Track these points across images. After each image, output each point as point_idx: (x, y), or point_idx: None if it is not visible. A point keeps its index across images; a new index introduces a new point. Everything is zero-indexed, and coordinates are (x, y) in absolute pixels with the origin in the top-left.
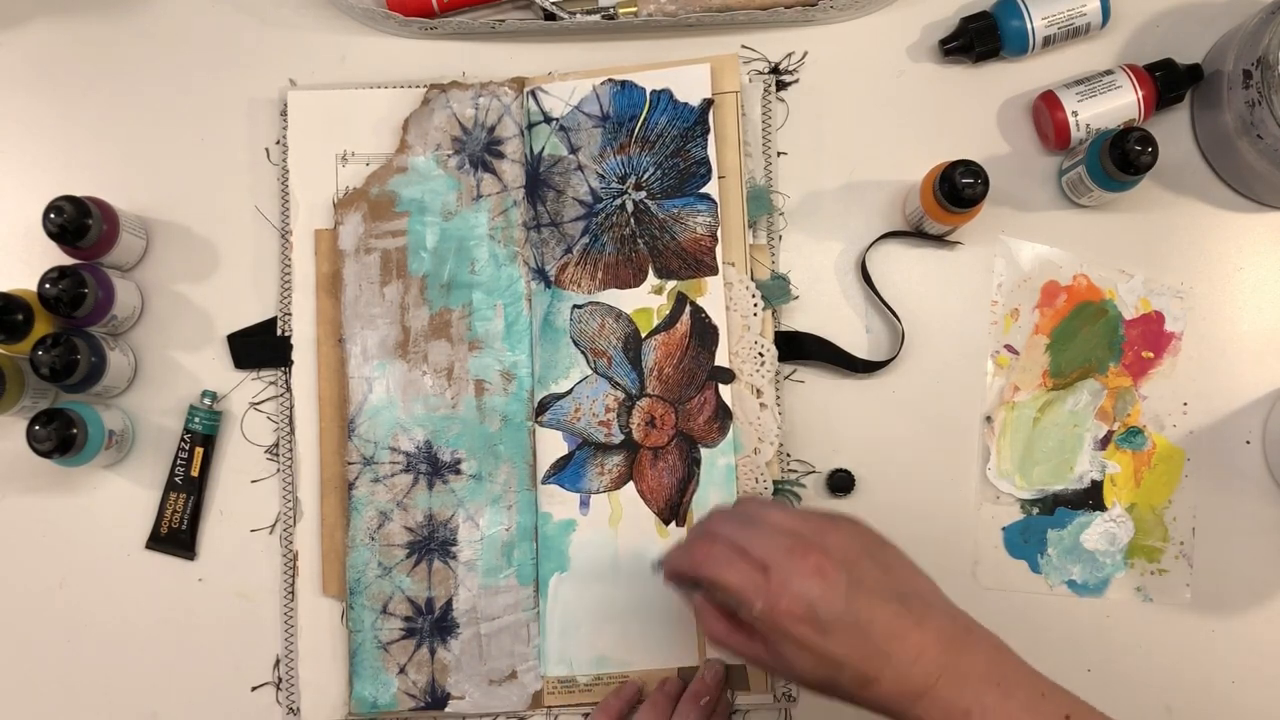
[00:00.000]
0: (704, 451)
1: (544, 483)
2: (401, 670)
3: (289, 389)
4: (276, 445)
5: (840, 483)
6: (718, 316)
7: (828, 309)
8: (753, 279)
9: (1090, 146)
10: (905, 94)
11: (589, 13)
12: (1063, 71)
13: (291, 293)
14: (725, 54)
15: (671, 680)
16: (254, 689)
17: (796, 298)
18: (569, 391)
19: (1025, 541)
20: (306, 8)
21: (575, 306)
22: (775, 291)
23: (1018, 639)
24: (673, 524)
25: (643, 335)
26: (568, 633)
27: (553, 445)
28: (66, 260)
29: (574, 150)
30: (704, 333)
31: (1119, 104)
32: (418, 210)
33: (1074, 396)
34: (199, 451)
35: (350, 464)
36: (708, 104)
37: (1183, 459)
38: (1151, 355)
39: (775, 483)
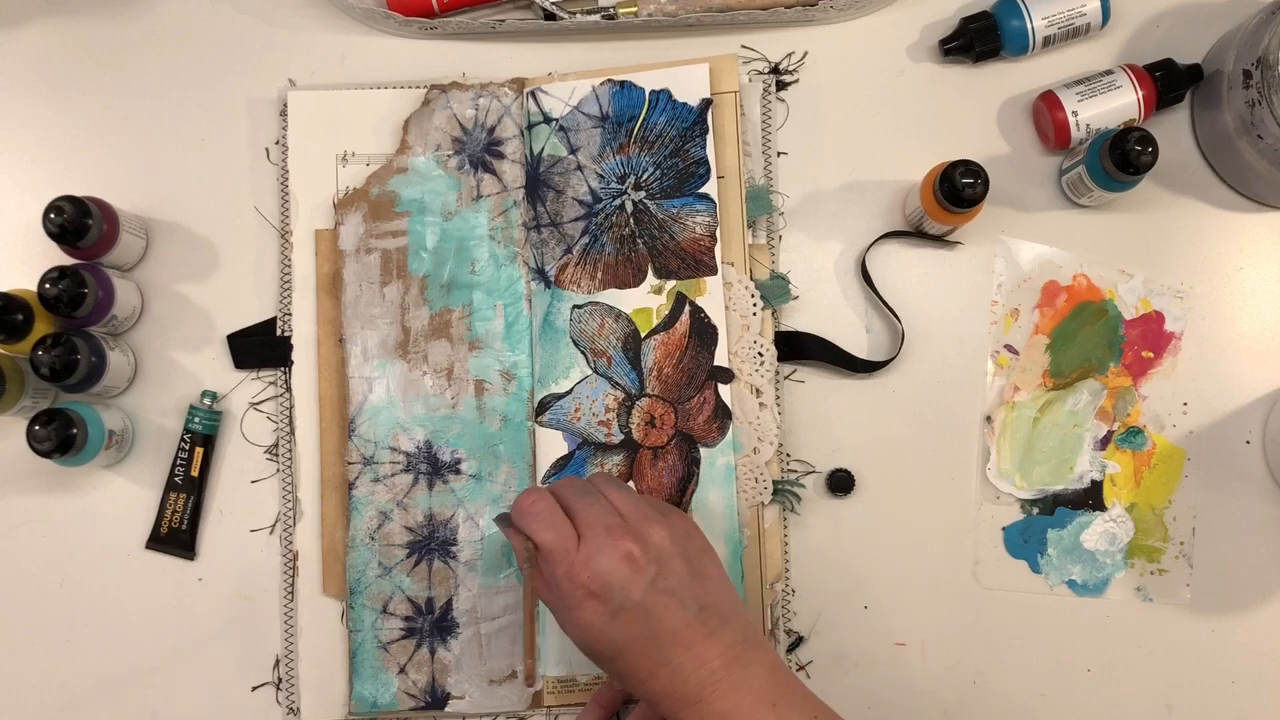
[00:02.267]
0: (703, 451)
1: (544, 482)
2: (401, 670)
3: (289, 389)
4: (276, 445)
5: (840, 483)
6: (717, 316)
7: (828, 309)
8: (752, 279)
9: (1090, 146)
10: (905, 94)
11: (589, 13)
12: (1063, 71)
13: (291, 293)
14: (724, 54)
15: None
16: (254, 689)
17: (796, 298)
18: (569, 391)
19: (1025, 541)
20: (306, 8)
21: (575, 306)
22: (775, 291)
23: (1018, 639)
24: None
25: (642, 335)
26: None
27: (553, 445)
28: (66, 260)
29: (574, 150)
30: (703, 332)
31: (1119, 104)
32: (418, 210)
33: (1074, 396)
34: (199, 451)
35: (350, 464)
36: (706, 104)
37: (1183, 459)
38: (1151, 355)
39: (775, 482)
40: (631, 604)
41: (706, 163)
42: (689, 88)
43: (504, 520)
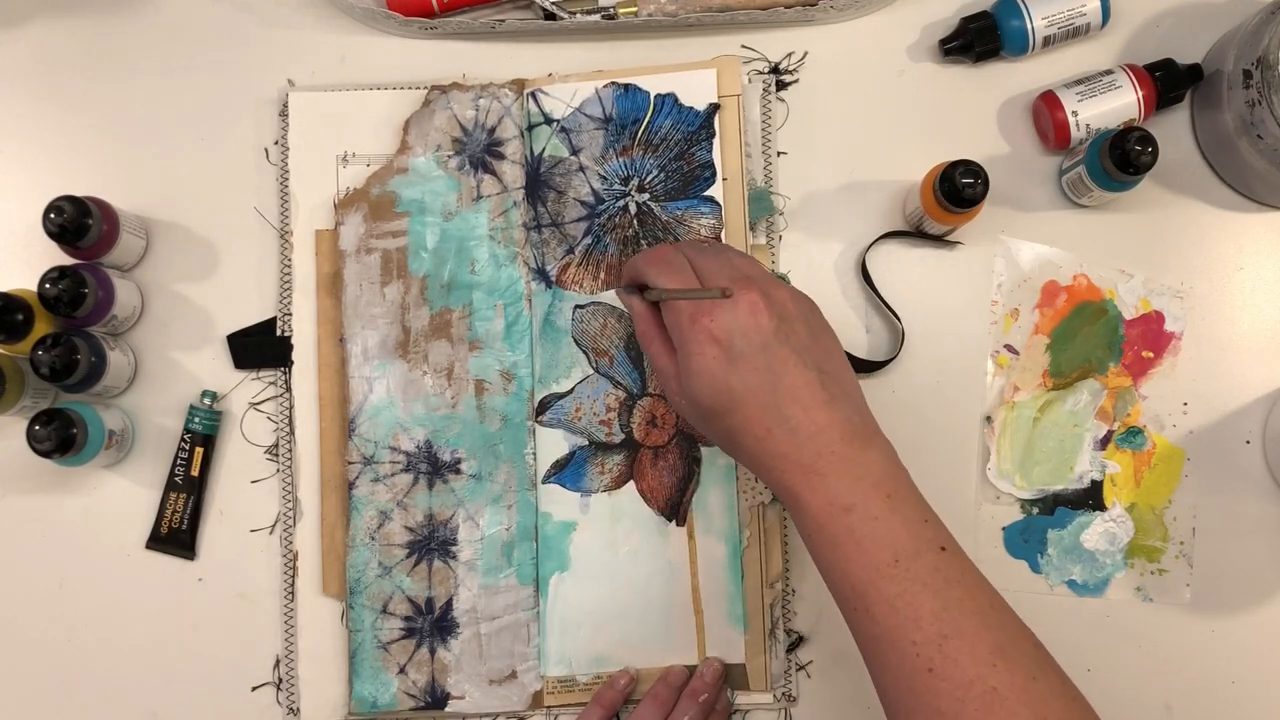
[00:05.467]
0: (704, 451)
1: (544, 482)
2: (401, 670)
3: (289, 389)
4: (276, 445)
5: None
6: None
7: (828, 309)
8: None
9: (1090, 146)
10: (905, 94)
11: (589, 13)
12: (1063, 71)
13: (291, 293)
14: (726, 57)
15: (675, 670)
16: (254, 689)
17: None
18: (570, 391)
19: (1025, 541)
20: (306, 8)
21: (578, 307)
22: None
23: None
24: (673, 523)
25: None
26: (568, 633)
27: (553, 445)
28: (66, 260)
29: (575, 152)
30: None
31: (1119, 104)
32: (418, 211)
33: (1074, 396)
34: (199, 451)
35: (350, 464)
36: (713, 109)
37: (1183, 459)
38: (1151, 355)
39: None
40: (752, 351)
41: (712, 166)
42: (695, 92)
43: (630, 278)
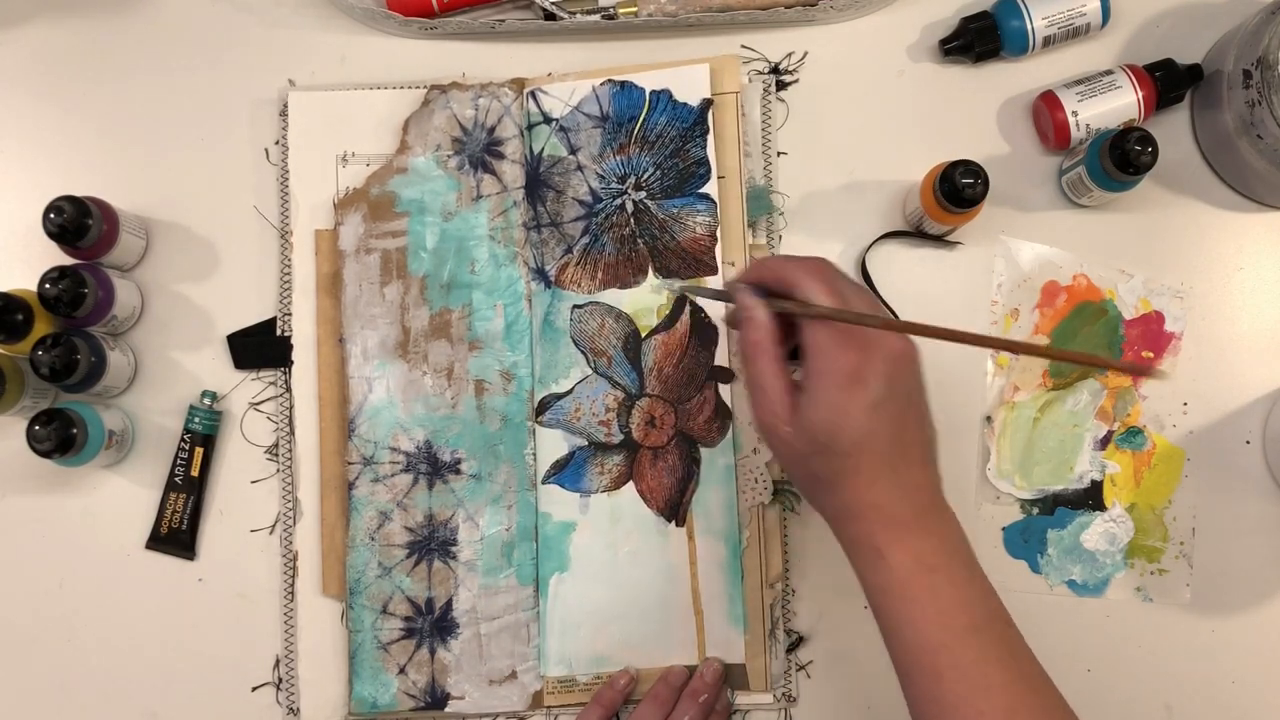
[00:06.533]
0: (704, 451)
1: (544, 483)
2: (401, 670)
3: (289, 389)
4: (276, 445)
5: None
6: (717, 316)
7: None
8: None
9: (1090, 146)
10: (905, 94)
11: (589, 13)
12: (1063, 71)
13: (291, 293)
14: (725, 55)
15: (675, 670)
16: (254, 689)
17: None
18: (569, 391)
19: (1025, 541)
20: (306, 8)
21: (575, 306)
22: None
23: None
24: (672, 523)
25: (643, 335)
26: (568, 633)
27: (553, 445)
28: (66, 260)
29: (574, 151)
30: (704, 332)
31: (1119, 104)
32: (418, 210)
33: (1074, 396)
34: (199, 451)
35: (350, 464)
36: (707, 104)
37: (1183, 459)
38: (1151, 355)
39: (775, 483)
40: (893, 399)
41: (707, 163)
42: (690, 88)
43: (759, 279)
